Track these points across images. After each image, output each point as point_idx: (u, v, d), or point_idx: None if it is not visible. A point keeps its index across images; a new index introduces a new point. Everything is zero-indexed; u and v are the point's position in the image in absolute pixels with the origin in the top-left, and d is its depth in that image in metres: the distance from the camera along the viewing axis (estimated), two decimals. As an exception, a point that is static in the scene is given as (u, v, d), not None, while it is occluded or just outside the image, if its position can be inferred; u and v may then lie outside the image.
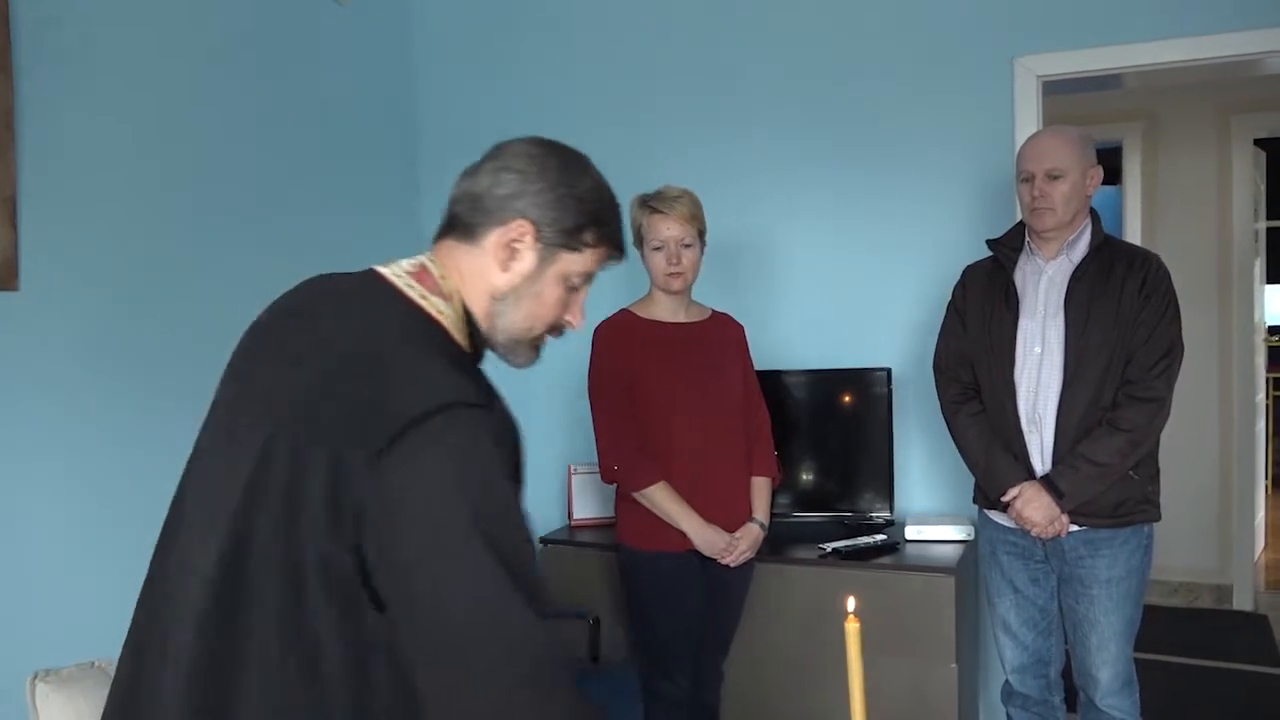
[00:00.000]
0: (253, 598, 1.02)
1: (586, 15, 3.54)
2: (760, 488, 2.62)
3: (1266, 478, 6.13)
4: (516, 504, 1.07)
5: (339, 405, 1.04)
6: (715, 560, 2.50)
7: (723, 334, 2.68)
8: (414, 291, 1.18)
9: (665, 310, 2.60)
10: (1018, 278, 2.50)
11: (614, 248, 1.27)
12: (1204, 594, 4.81)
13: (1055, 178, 2.37)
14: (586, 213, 1.22)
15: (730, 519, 2.53)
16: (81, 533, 2.47)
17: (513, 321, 1.23)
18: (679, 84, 3.42)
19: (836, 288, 3.26)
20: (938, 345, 2.65)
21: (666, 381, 2.51)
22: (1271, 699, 3.63)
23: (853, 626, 1.18)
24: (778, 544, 2.91)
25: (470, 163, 1.30)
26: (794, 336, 3.28)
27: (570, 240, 1.22)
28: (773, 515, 2.67)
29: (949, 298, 2.66)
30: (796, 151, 3.28)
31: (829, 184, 3.24)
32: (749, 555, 2.56)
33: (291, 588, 1.02)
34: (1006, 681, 2.63)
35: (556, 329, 1.28)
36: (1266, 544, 5.53)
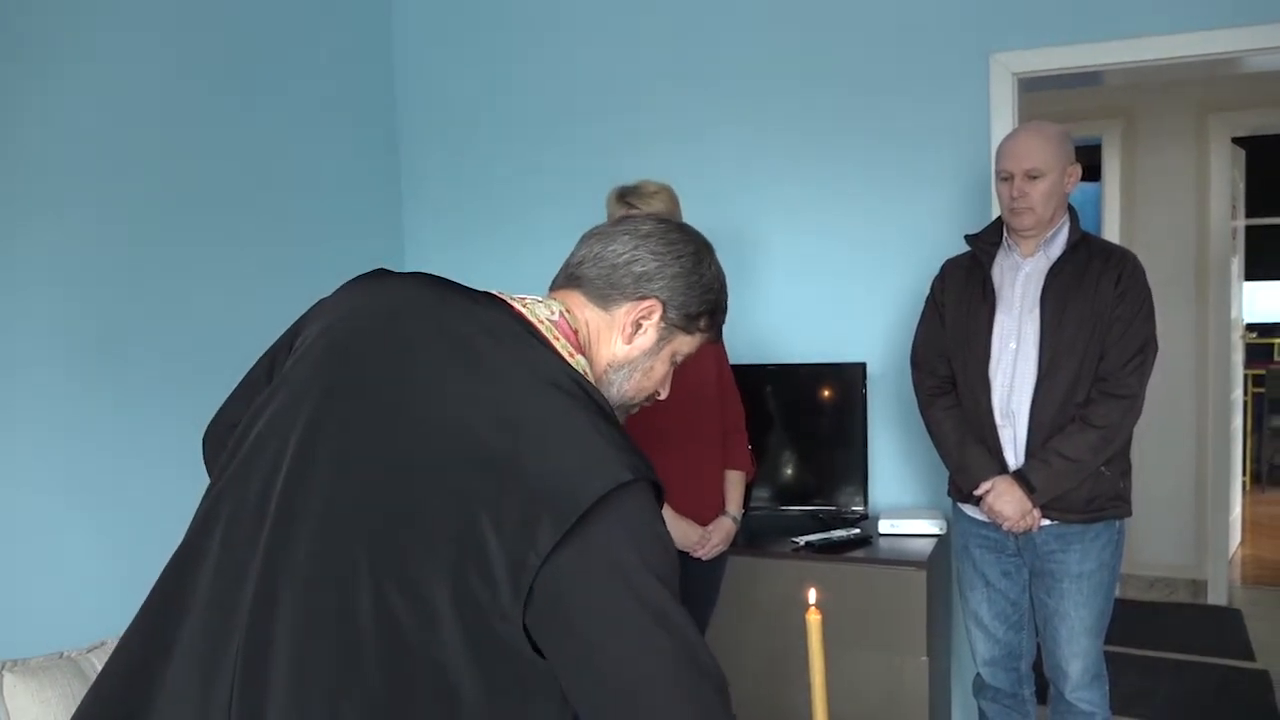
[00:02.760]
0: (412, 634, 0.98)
1: (565, 6, 3.53)
2: (734, 481, 2.63)
3: (1244, 474, 6.19)
4: (678, 566, 1.06)
5: (522, 471, 0.99)
6: (688, 554, 2.50)
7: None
8: (560, 345, 1.17)
9: (640, 303, 2.59)
10: (995, 273, 2.51)
11: (717, 333, 1.36)
12: (1180, 589, 4.85)
13: (1034, 177, 2.38)
14: (709, 301, 1.29)
15: (703, 512, 2.53)
16: (51, 524, 2.45)
17: (623, 390, 1.28)
18: (657, 76, 3.41)
19: (813, 282, 3.26)
20: (915, 339, 2.66)
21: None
22: (1242, 692, 3.67)
23: (814, 618, 1.19)
24: (752, 537, 2.92)
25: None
26: (770, 331, 3.29)
27: (689, 324, 1.28)
28: (747, 509, 2.67)
29: (926, 293, 2.66)
30: (773, 146, 3.27)
31: (805, 179, 3.25)
32: (722, 548, 2.56)
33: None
34: (978, 674, 2.65)
35: (650, 399, 1.34)
36: (1243, 540, 5.58)
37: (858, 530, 2.91)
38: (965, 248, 2.60)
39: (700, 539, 2.50)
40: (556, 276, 1.30)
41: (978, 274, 2.53)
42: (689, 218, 2.63)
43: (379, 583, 0.98)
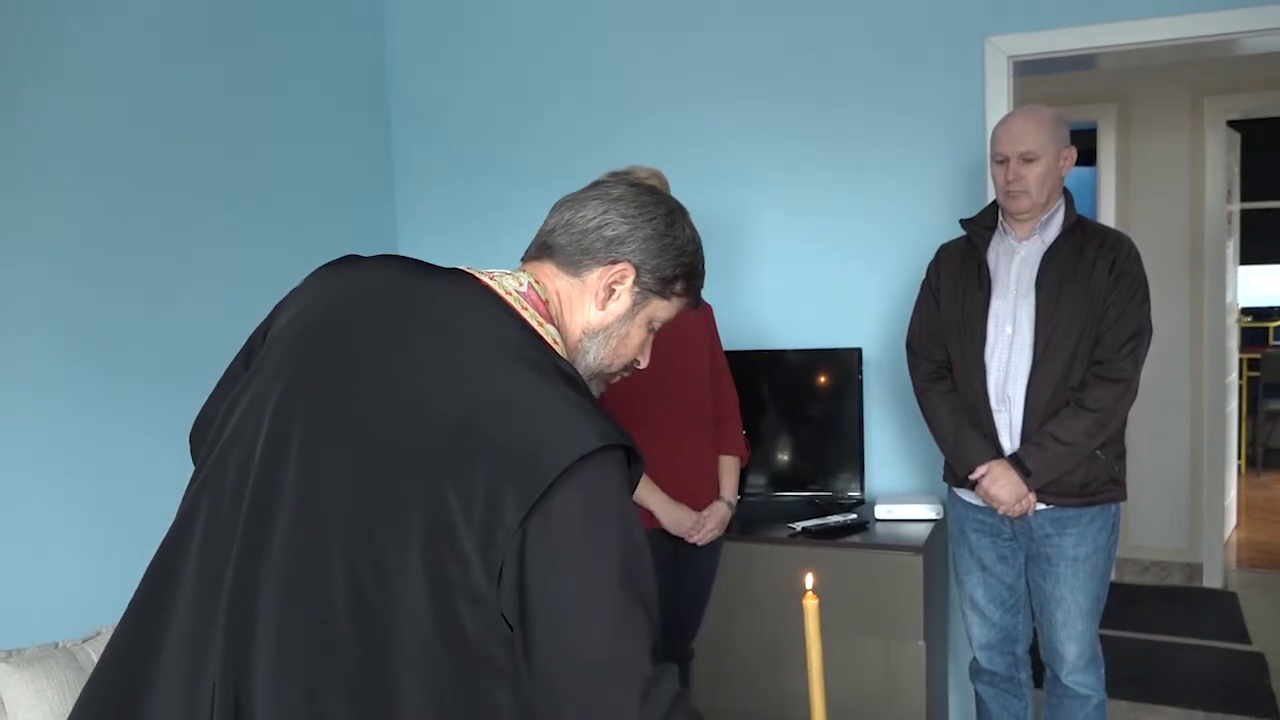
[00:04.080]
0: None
1: (559, -8, 3.51)
2: (728, 466, 2.63)
3: (1239, 458, 6.21)
4: (646, 544, 1.05)
5: (487, 442, 0.98)
6: (683, 539, 2.50)
7: (690, 312, 2.66)
8: (529, 315, 1.16)
9: (634, 289, 2.59)
10: (990, 257, 2.50)
11: (695, 299, 1.33)
12: (1175, 572, 4.86)
13: (1029, 160, 2.37)
14: (683, 264, 1.27)
15: (698, 498, 2.53)
16: (46, 514, 2.44)
17: (598, 358, 1.26)
18: (644, 58, 3.39)
19: (807, 267, 3.25)
20: (911, 323, 2.66)
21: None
22: (1237, 673, 3.68)
23: (811, 603, 1.18)
24: (748, 523, 2.92)
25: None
26: (765, 316, 3.28)
27: (664, 288, 1.26)
28: (743, 495, 2.67)
29: (921, 277, 2.66)
30: (766, 131, 3.26)
31: (800, 163, 3.23)
32: (717, 534, 2.56)
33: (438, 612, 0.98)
34: (974, 658, 2.65)
35: (628, 368, 1.32)
36: (1238, 523, 5.59)
37: (854, 515, 2.91)
38: (961, 232, 2.59)
39: (695, 524, 2.50)
40: (529, 247, 1.29)
41: (973, 258, 2.52)
42: (678, 196, 2.63)
43: (353, 568, 0.98)
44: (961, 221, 2.59)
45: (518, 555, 0.96)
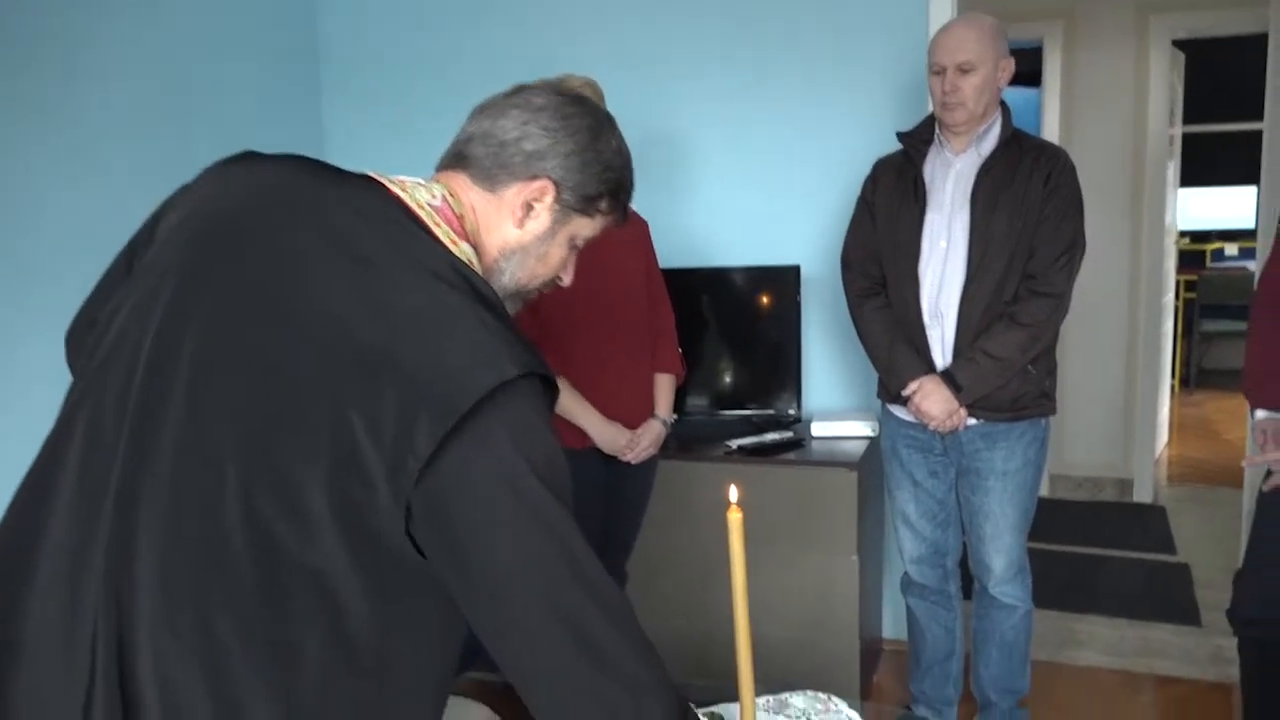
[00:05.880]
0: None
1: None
2: (663, 384, 2.60)
3: (1173, 377, 6.33)
4: (568, 472, 1.00)
5: (398, 367, 0.92)
6: (616, 458, 2.48)
7: (624, 228, 2.61)
8: (441, 232, 1.09)
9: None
10: (926, 171, 2.47)
11: (621, 215, 1.26)
12: (1107, 488, 4.97)
13: (966, 72, 2.33)
14: (608, 180, 1.20)
15: (632, 416, 2.51)
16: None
17: (516, 278, 1.19)
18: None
19: (745, 184, 3.20)
20: (846, 239, 2.63)
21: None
22: (1164, 585, 3.79)
23: (735, 517, 1.16)
24: (684, 442, 2.91)
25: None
26: (702, 234, 3.23)
27: (587, 206, 1.19)
28: (681, 414, 2.65)
29: (859, 193, 2.62)
30: (703, 40, 3.18)
31: (737, 74, 3.16)
32: (651, 452, 2.54)
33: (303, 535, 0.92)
34: (905, 572, 2.69)
35: (549, 285, 1.26)
36: (1169, 441, 5.72)
37: (790, 433, 2.92)
38: (899, 146, 2.55)
39: (629, 442, 2.48)
40: (444, 155, 1.21)
41: (909, 172, 2.49)
42: (614, 115, 2.55)
43: (248, 489, 0.91)
44: (898, 135, 2.55)
45: (434, 488, 0.91)
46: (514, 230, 1.17)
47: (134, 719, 0.89)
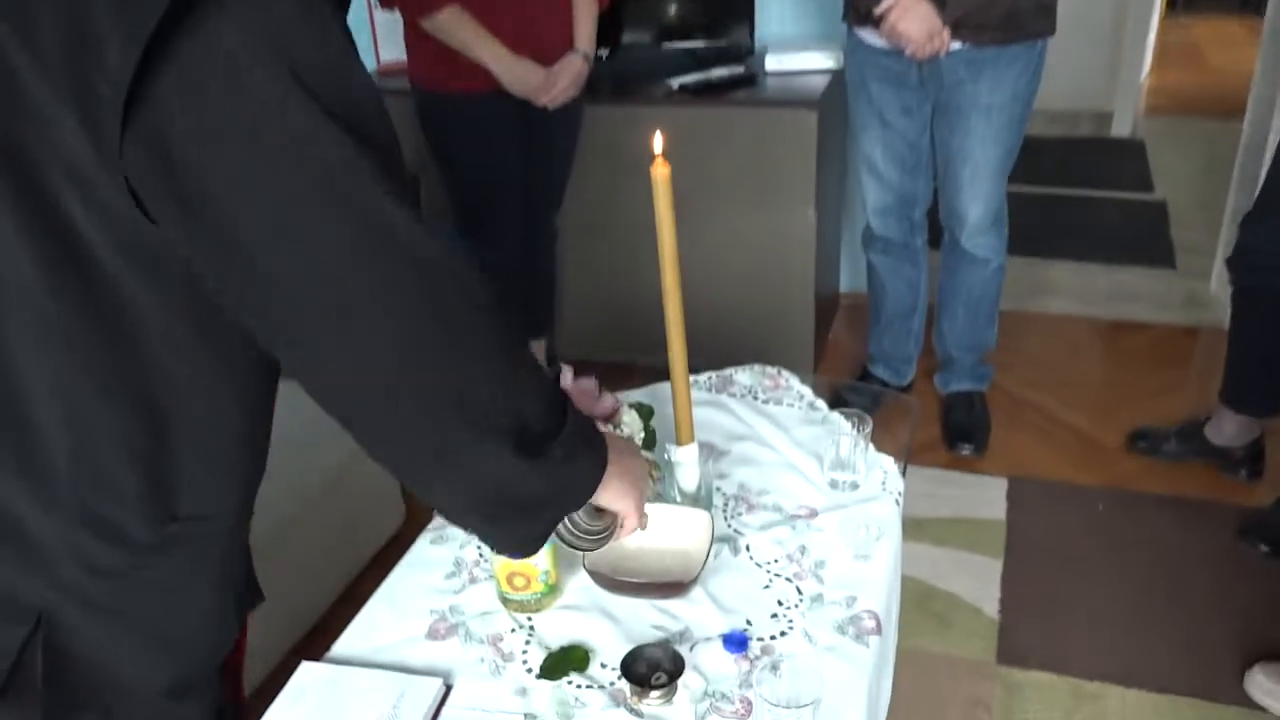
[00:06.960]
0: None
1: None
2: (583, 10, 2.13)
3: (1162, -2, 5.82)
4: (355, 56, 0.66)
5: None
6: (530, 102, 2.09)
7: None
8: None
9: None
10: None
11: None
12: (1084, 122, 4.66)
13: None
14: None
15: (546, 51, 2.09)
16: None
17: None
18: None
19: None
20: None
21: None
22: (1140, 224, 3.60)
23: (662, 171, 1.00)
24: (618, 81, 2.56)
25: None
26: None
27: None
28: (613, 48, 2.23)
29: None
30: None
31: None
32: (572, 94, 2.15)
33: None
34: (867, 224, 2.43)
35: None
36: (1151, 68, 5.33)
37: (741, 68, 2.55)
38: None
39: (543, 82, 2.08)
40: None
41: None
42: None
43: None
44: None
45: (150, 123, 0.60)
46: None
47: None
